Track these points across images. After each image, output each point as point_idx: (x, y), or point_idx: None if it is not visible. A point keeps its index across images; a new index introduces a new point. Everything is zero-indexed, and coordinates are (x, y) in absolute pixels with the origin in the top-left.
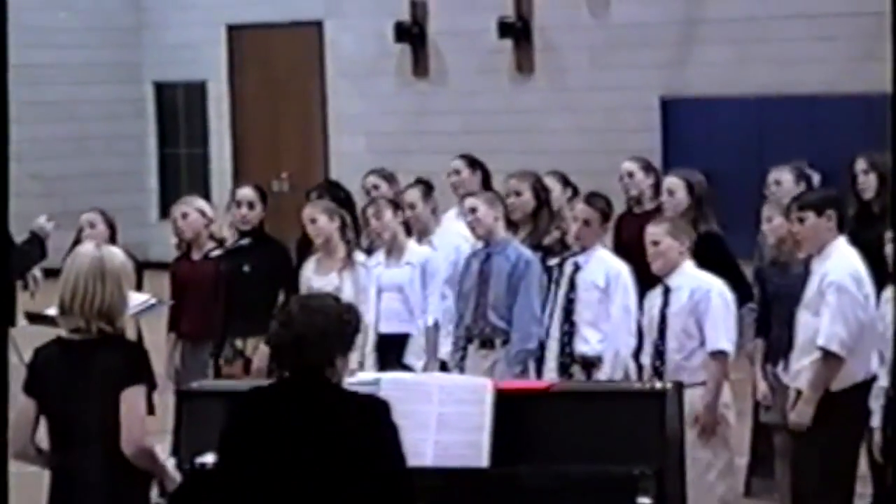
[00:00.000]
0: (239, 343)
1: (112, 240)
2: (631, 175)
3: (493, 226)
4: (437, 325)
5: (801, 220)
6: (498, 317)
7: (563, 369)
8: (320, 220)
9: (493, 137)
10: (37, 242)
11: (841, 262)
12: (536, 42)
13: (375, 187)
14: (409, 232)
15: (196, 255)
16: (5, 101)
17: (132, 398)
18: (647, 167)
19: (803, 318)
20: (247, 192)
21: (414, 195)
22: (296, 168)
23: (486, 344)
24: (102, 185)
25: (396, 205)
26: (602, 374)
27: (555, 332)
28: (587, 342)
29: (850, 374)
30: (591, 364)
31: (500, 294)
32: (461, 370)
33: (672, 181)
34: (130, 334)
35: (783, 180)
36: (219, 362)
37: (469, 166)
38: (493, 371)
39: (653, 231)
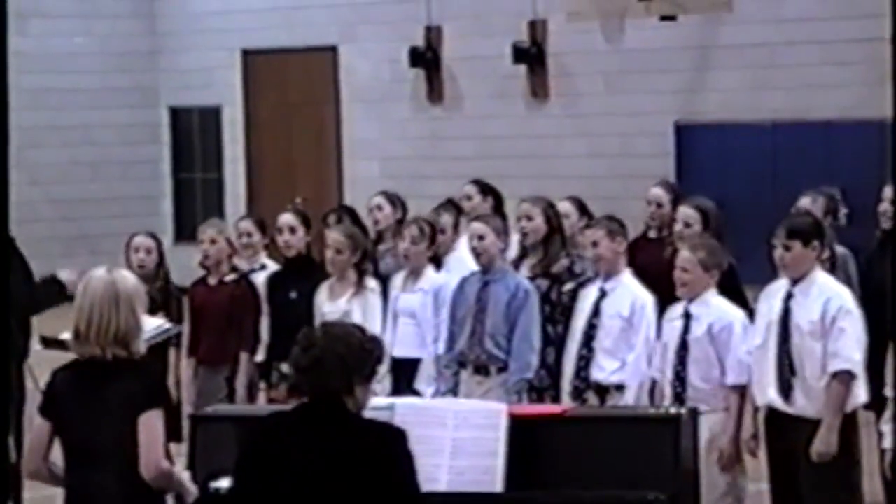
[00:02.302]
0: (284, 367)
1: (160, 264)
2: (660, 205)
3: (496, 255)
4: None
5: (788, 248)
6: (494, 345)
7: (577, 394)
8: (345, 254)
9: (508, 162)
10: (54, 287)
11: (836, 287)
12: (551, 67)
13: (379, 208)
14: (436, 261)
15: (213, 281)
16: (5, 102)
17: (150, 422)
18: (676, 197)
19: (808, 346)
20: (287, 218)
21: (448, 221)
22: (310, 192)
23: (481, 370)
24: (118, 209)
25: (434, 234)
26: (625, 403)
27: (571, 357)
28: (603, 370)
29: (858, 396)
30: (604, 391)
31: (497, 322)
32: (453, 394)
33: (688, 212)
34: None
35: (814, 210)
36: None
37: (481, 192)
38: (486, 398)
39: (686, 257)
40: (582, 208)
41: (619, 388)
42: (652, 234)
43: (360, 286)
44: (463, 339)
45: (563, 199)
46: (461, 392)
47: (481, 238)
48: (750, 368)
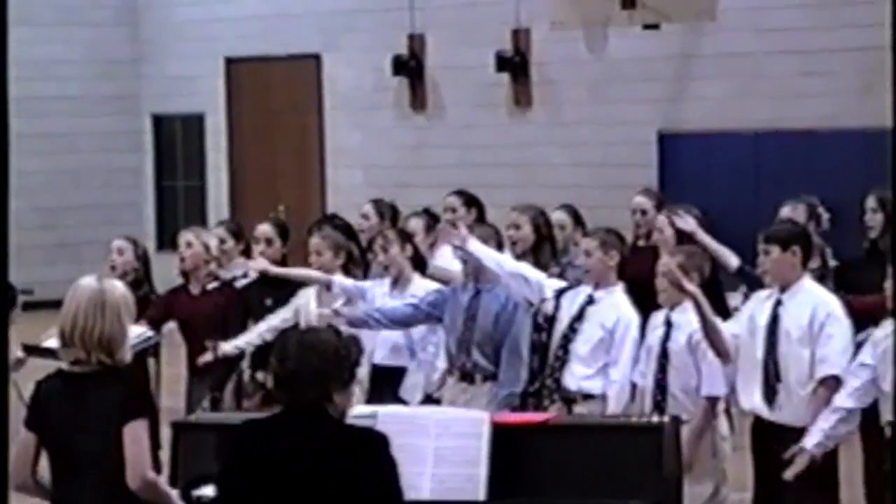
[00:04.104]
0: (260, 375)
1: (146, 269)
2: (644, 212)
3: (485, 265)
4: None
5: (767, 253)
6: (482, 354)
7: (548, 395)
8: (326, 255)
9: (491, 171)
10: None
11: (823, 294)
12: (534, 76)
13: (365, 217)
14: (418, 264)
15: (195, 290)
16: (6, 103)
17: (135, 432)
18: (660, 203)
19: (795, 352)
20: (265, 229)
21: (417, 225)
22: (293, 201)
23: (466, 378)
24: (100, 216)
25: (405, 239)
26: (609, 411)
27: (548, 359)
28: (573, 376)
29: None
30: (572, 400)
31: (486, 332)
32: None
33: (660, 220)
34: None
35: (795, 217)
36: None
37: (465, 204)
38: (469, 407)
39: (664, 263)
40: (576, 217)
41: (587, 397)
42: (641, 242)
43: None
44: (451, 345)
45: (557, 207)
46: (445, 399)
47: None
48: (724, 379)
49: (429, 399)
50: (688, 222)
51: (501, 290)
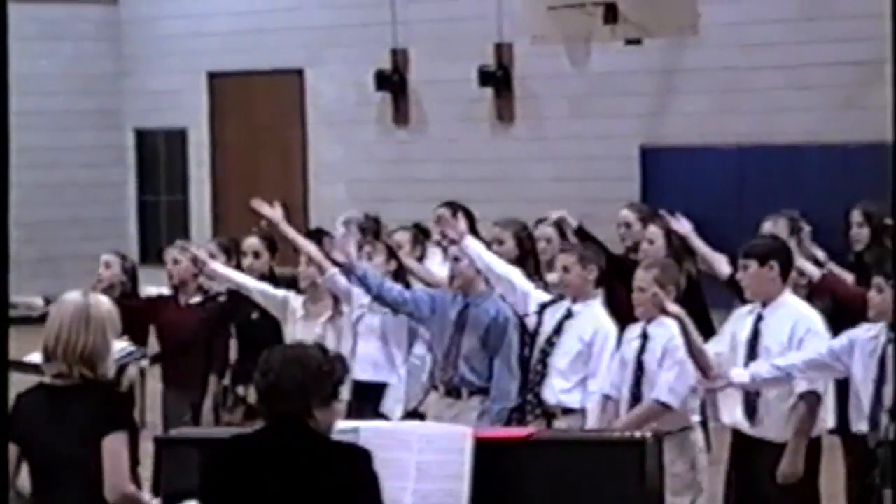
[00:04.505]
0: (241, 390)
1: (133, 283)
2: (629, 225)
3: (475, 278)
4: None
5: (745, 268)
6: (469, 368)
7: (531, 409)
8: (313, 267)
9: (474, 186)
10: None
11: (803, 309)
12: (517, 91)
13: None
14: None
15: (182, 302)
16: (6, 110)
17: (114, 445)
18: (644, 217)
19: None
20: (252, 242)
21: (403, 238)
22: None
23: (452, 393)
24: (83, 231)
25: (391, 251)
26: (589, 424)
27: (529, 373)
28: (552, 389)
29: (824, 421)
30: (552, 414)
31: (474, 346)
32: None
33: (653, 231)
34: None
35: (777, 232)
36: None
37: (454, 216)
38: (456, 421)
39: (640, 277)
40: (563, 232)
41: (566, 411)
42: (632, 256)
43: (335, 311)
44: (438, 359)
45: (540, 221)
46: (430, 414)
47: (457, 259)
48: (679, 395)
49: (409, 415)
50: (683, 224)
51: (491, 304)
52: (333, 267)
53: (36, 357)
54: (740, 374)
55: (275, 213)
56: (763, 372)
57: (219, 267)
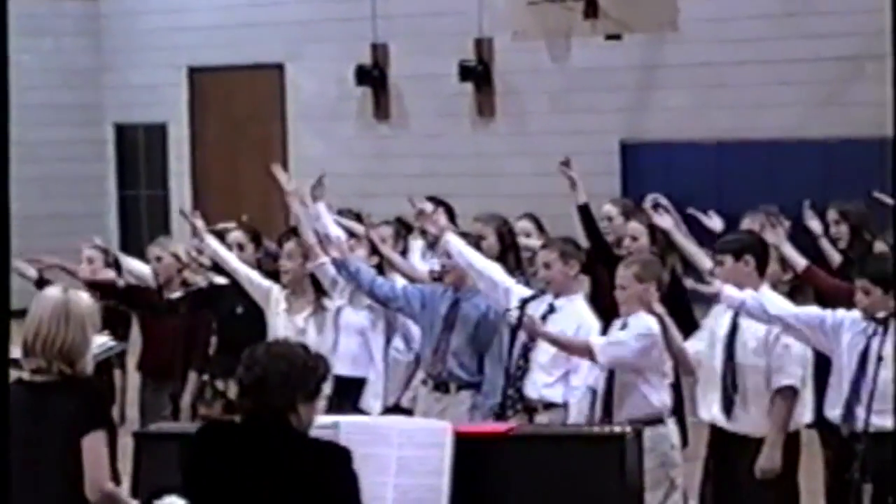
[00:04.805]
0: (220, 384)
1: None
2: (610, 219)
3: (465, 273)
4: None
5: (721, 263)
6: (457, 364)
7: (511, 404)
8: (298, 261)
9: (454, 181)
10: None
11: (781, 303)
12: (497, 86)
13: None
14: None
15: (164, 296)
16: (6, 106)
17: (93, 444)
18: (627, 212)
19: (752, 363)
20: (236, 235)
21: (386, 232)
22: (256, 210)
23: (440, 388)
24: (63, 226)
25: (373, 246)
26: (571, 419)
27: (510, 368)
28: (534, 384)
29: (801, 415)
30: (533, 409)
31: (463, 342)
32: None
33: (635, 227)
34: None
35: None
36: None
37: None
38: (444, 416)
39: (622, 274)
40: (540, 227)
41: (548, 406)
42: (616, 251)
43: (317, 305)
44: (427, 354)
45: (521, 217)
46: (419, 408)
47: (447, 256)
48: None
49: (389, 410)
50: (664, 219)
51: (481, 299)
52: (325, 256)
53: (15, 352)
54: (733, 291)
55: (289, 182)
56: (751, 305)
57: (215, 244)
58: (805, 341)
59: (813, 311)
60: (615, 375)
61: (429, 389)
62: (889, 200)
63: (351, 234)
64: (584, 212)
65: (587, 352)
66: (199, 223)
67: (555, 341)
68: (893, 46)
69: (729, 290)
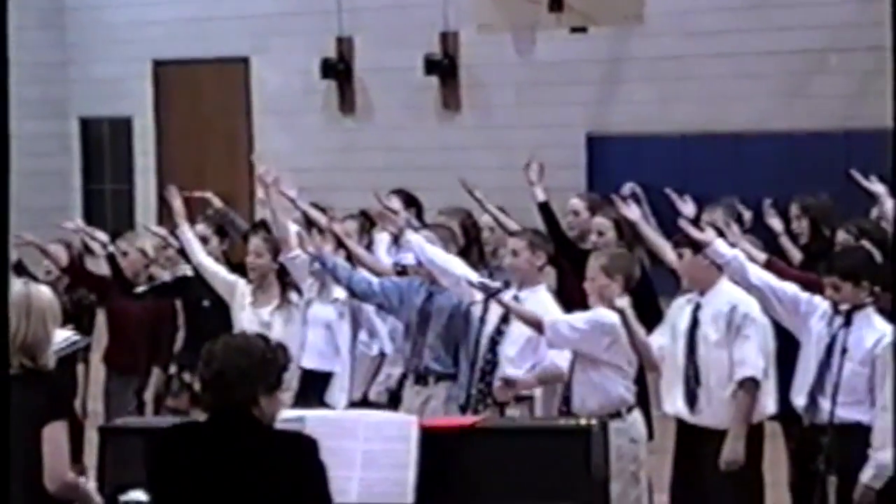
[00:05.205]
0: (187, 376)
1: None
2: (576, 214)
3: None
4: (382, 355)
5: (680, 256)
6: (433, 357)
7: (482, 397)
8: (265, 257)
9: (420, 174)
10: None
11: (740, 295)
12: (462, 79)
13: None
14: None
15: (130, 290)
16: (6, 103)
17: (53, 434)
18: (593, 206)
19: (714, 355)
20: (200, 228)
21: (351, 227)
22: (221, 204)
23: (420, 380)
24: (27, 220)
25: (338, 241)
26: (537, 411)
27: (478, 362)
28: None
29: (765, 406)
30: (503, 403)
31: (438, 334)
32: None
33: (601, 221)
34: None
35: (715, 220)
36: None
37: (404, 204)
38: (426, 407)
39: (591, 265)
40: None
41: (518, 399)
42: (581, 245)
43: (283, 299)
44: (406, 348)
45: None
46: (404, 402)
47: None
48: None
49: (354, 404)
50: (632, 210)
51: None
52: (298, 249)
53: None
54: (724, 247)
55: (267, 174)
56: (736, 267)
57: (190, 234)
58: (775, 314)
59: (791, 289)
60: (574, 369)
61: (410, 383)
62: (866, 182)
63: (319, 228)
64: (545, 210)
65: (537, 325)
66: (178, 204)
67: (511, 309)
68: (893, 43)
69: (719, 245)
